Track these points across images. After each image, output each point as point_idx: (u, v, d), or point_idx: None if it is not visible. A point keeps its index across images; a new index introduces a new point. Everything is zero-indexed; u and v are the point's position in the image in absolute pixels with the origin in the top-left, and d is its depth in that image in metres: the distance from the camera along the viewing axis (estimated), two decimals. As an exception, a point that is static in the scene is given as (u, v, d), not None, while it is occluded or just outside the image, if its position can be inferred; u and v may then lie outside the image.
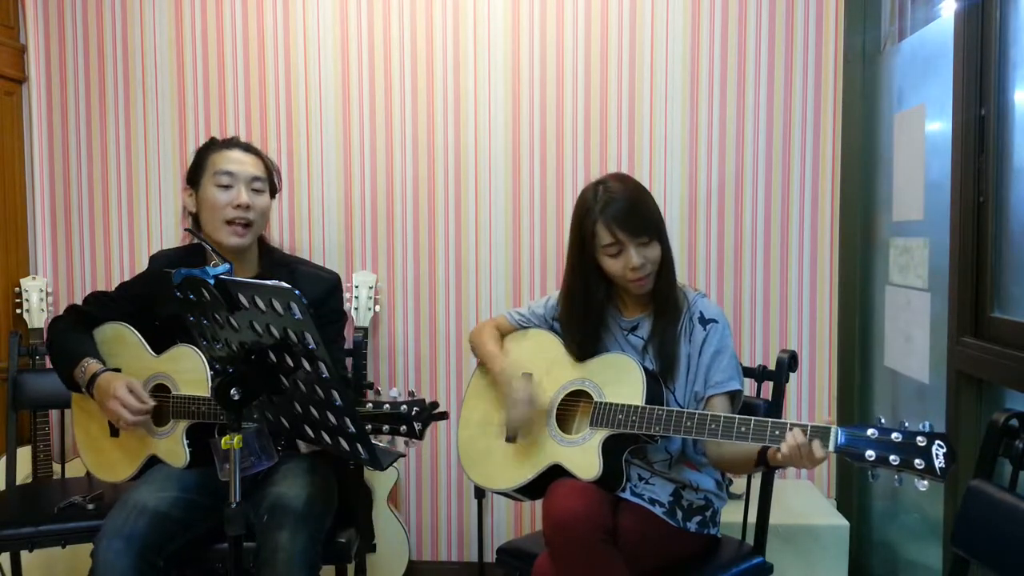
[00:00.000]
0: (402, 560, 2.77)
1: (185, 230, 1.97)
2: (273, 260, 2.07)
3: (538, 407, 1.83)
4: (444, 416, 1.59)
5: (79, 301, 2.14)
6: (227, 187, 1.95)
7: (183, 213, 2.08)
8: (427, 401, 1.58)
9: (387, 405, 1.57)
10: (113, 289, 2.12)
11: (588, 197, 1.84)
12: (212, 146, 2.03)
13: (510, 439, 1.85)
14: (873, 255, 2.63)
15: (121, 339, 2.01)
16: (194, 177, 2.01)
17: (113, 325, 2.03)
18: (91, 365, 1.90)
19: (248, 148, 2.04)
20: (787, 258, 2.72)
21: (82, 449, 2.08)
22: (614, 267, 1.82)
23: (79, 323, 2.02)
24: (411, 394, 1.58)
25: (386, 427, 1.57)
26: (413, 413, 1.55)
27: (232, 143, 2.03)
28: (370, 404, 1.59)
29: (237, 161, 1.98)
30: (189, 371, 1.91)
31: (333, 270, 2.13)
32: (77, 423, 2.08)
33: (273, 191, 2.07)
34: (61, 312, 2.09)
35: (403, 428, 1.55)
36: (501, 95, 2.77)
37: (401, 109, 2.80)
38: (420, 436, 1.56)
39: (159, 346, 1.98)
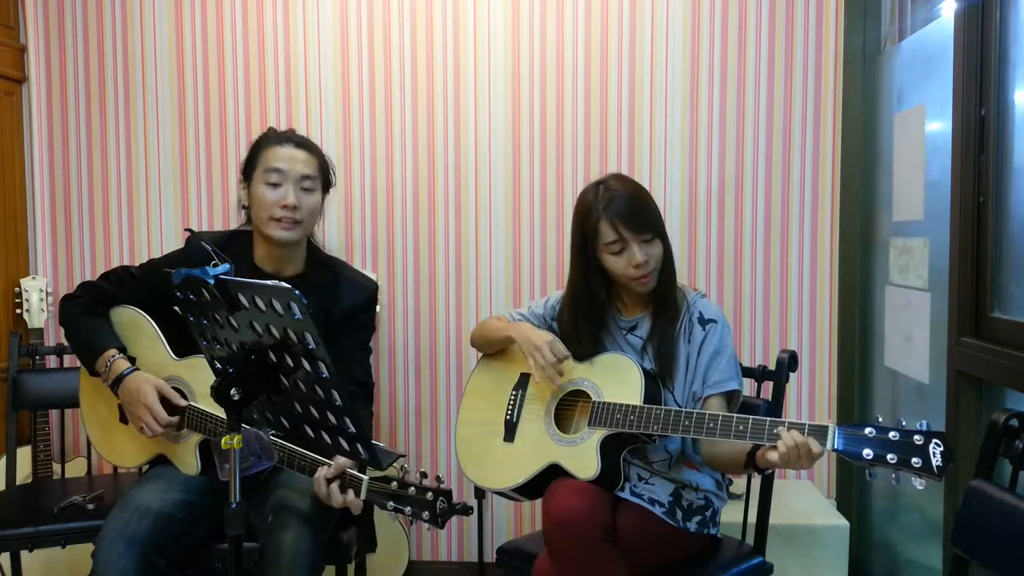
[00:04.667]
0: (402, 560, 2.77)
1: (185, 230, 1.96)
2: (318, 260, 2.05)
3: (559, 354, 1.83)
4: (469, 512, 1.57)
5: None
6: (276, 185, 1.91)
7: (237, 206, 2.04)
8: (454, 499, 1.55)
9: (412, 488, 1.55)
10: (139, 266, 2.06)
11: (589, 197, 1.84)
12: (266, 140, 1.97)
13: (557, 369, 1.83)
14: (873, 255, 2.63)
15: (138, 327, 1.97)
16: (248, 171, 1.97)
17: (131, 311, 1.98)
18: (117, 363, 1.87)
19: (301, 143, 1.98)
20: (787, 258, 2.72)
21: (88, 422, 2.06)
22: (616, 265, 1.82)
23: (95, 305, 1.98)
24: (438, 479, 1.56)
25: (408, 509, 1.56)
26: (439, 508, 1.52)
27: (286, 138, 1.97)
28: (395, 483, 1.58)
29: (288, 158, 1.93)
30: (208, 384, 1.89)
31: (372, 278, 2.10)
32: (84, 395, 2.06)
33: (327, 186, 2.02)
34: (77, 286, 2.03)
35: (425, 514, 1.54)
36: (501, 95, 2.77)
37: (401, 109, 2.80)
38: (441, 526, 1.54)
39: (177, 340, 1.93)
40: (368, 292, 2.05)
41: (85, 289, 2.02)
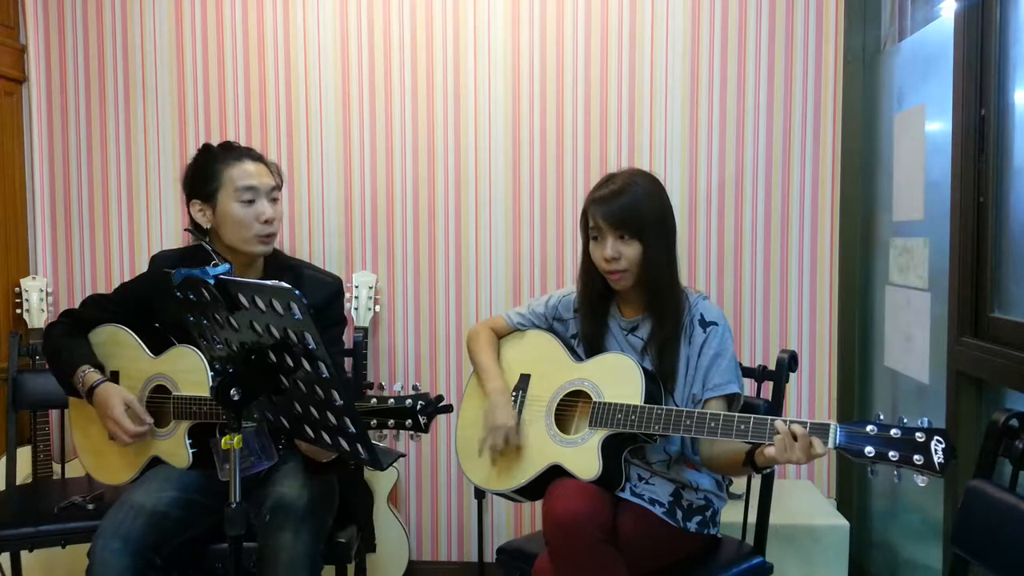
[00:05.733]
0: (402, 560, 2.77)
1: (186, 230, 1.97)
2: (278, 263, 2.06)
3: (512, 442, 1.84)
4: (449, 409, 1.60)
5: (79, 302, 2.12)
6: (251, 202, 1.93)
7: (192, 228, 2.03)
8: (430, 395, 1.59)
9: (391, 400, 1.57)
10: (112, 291, 2.11)
11: (598, 182, 1.88)
12: (224, 157, 1.96)
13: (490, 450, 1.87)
14: (873, 255, 2.63)
15: (117, 341, 2.01)
16: (206, 191, 1.94)
17: (109, 327, 2.02)
18: (88, 375, 1.90)
19: (259, 157, 2.00)
20: (787, 258, 2.72)
21: (81, 452, 2.08)
22: (595, 253, 1.85)
23: (75, 327, 2.02)
24: (415, 388, 1.59)
25: (391, 422, 1.57)
26: (418, 407, 1.55)
27: (244, 153, 1.98)
28: (374, 400, 1.59)
29: (255, 175, 1.95)
30: (189, 371, 1.91)
31: (336, 274, 2.12)
32: (75, 425, 2.08)
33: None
34: (58, 315, 2.08)
35: (408, 422, 1.56)
36: (501, 95, 2.77)
37: (401, 109, 2.80)
38: (425, 429, 1.56)
39: (158, 348, 1.98)
40: (331, 288, 2.06)
41: (66, 315, 2.07)
